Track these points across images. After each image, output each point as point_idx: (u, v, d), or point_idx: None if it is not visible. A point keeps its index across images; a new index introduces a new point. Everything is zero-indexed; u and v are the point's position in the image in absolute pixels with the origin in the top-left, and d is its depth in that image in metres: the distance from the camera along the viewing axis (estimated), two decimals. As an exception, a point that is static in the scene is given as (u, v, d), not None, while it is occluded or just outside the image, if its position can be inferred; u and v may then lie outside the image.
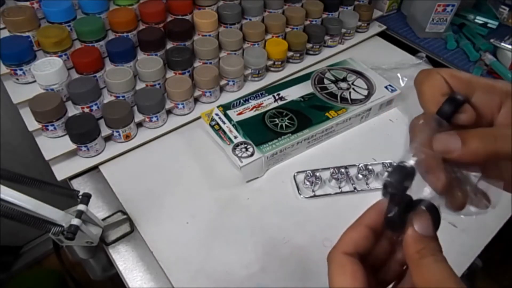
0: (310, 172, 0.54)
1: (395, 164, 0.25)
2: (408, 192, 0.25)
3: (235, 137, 0.55)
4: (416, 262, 0.22)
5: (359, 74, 0.67)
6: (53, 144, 0.53)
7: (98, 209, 0.50)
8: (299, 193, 0.53)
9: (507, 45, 0.75)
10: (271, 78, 0.70)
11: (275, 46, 0.68)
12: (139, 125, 0.59)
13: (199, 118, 0.61)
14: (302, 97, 0.61)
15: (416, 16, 0.86)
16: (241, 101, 0.60)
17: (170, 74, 0.62)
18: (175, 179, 0.54)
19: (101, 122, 0.56)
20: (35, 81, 0.55)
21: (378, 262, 0.27)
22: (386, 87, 0.64)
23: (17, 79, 0.56)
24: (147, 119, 0.58)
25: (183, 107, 0.60)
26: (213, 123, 0.57)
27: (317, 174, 0.54)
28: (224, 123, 0.57)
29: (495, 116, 0.23)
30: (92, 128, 0.52)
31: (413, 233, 0.23)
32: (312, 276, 0.45)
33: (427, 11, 0.80)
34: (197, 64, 0.64)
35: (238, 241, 0.48)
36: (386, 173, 0.25)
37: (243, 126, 0.56)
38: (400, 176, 0.24)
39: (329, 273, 0.25)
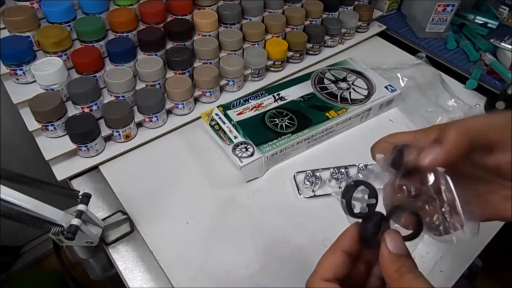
0: (310, 172, 0.54)
1: (351, 183, 0.26)
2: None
3: (235, 137, 0.55)
4: (397, 281, 0.23)
5: (359, 74, 0.67)
6: (53, 144, 0.53)
7: (98, 209, 0.50)
8: (299, 193, 0.53)
9: (507, 45, 0.74)
10: (271, 78, 0.70)
11: (275, 46, 0.68)
12: (139, 125, 0.59)
13: (199, 118, 0.61)
14: (302, 97, 0.61)
15: (416, 16, 0.86)
16: (241, 101, 0.60)
17: (170, 74, 0.62)
18: (175, 179, 0.54)
19: (101, 122, 0.56)
20: (35, 81, 0.55)
21: (357, 285, 0.28)
22: (386, 87, 0.64)
23: (17, 79, 0.56)
24: (147, 119, 0.58)
25: (183, 107, 0.60)
26: (213, 123, 0.57)
27: (317, 174, 0.54)
28: (224, 123, 0.57)
29: None
30: (92, 128, 0.52)
31: (388, 254, 0.24)
32: (312, 276, 0.45)
33: (427, 11, 0.80)
34: (197, 64, 0.64)
35: (238, 241, 0.48)
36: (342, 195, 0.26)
37: (243, 126, 0.56)
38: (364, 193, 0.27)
39: None
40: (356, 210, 0.26)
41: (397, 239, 0.25)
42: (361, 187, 0.26)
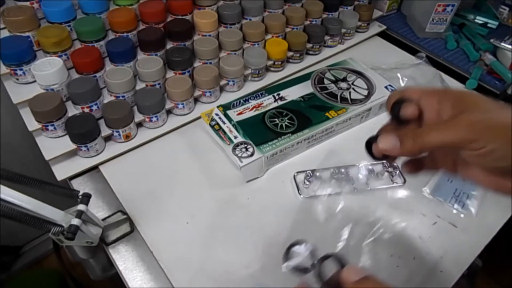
0: (310, 172, 0.54)
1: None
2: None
3: (235, 137, 0.55)
4: None
5: (359, 74, 0.67)
6: (53, 144, 0.53)
7: (98, 209, 0.50)
8: (299, 193, 0.53)
9: (507, 45, 0.74)
10: (271, 78, 0.70)
11: (275, 46, 0.68)
12: (139, 125, 0.59)
13: (199, 118, 0.61)
14: (302, 97, 0.61)
15: (416, 16, 0.86)
16: (241, 101, 0.60)
17: (170, 74, 0.62)
18: (175, 179, 0.54)
19: (101, 122, 0.56)
20: (35, 81, 0.55)
21: None
22: (386, 87, 0.64)
23: (17, 79, 0.56)
24: (147, 119, 0.58)
25: (183, 107, 0.60)
26: (213, 123, 0.57)
27: (317, 174, 0.54)
28: (224, 123, 0.57)
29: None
30: (92, 128, 0.52)
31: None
32: (312, 276, 0.45)
33: (427, 11, 0.80)
34: (197, 64, 0.64)
35: (238, 241, 0.48)
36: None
37: (243, 126, 0.56)
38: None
39: None
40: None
41: (357, 270, 0.30)
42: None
